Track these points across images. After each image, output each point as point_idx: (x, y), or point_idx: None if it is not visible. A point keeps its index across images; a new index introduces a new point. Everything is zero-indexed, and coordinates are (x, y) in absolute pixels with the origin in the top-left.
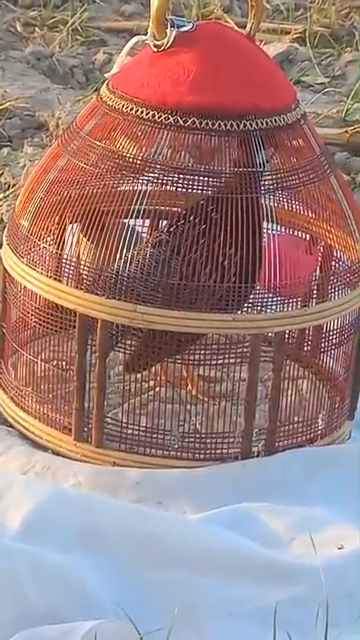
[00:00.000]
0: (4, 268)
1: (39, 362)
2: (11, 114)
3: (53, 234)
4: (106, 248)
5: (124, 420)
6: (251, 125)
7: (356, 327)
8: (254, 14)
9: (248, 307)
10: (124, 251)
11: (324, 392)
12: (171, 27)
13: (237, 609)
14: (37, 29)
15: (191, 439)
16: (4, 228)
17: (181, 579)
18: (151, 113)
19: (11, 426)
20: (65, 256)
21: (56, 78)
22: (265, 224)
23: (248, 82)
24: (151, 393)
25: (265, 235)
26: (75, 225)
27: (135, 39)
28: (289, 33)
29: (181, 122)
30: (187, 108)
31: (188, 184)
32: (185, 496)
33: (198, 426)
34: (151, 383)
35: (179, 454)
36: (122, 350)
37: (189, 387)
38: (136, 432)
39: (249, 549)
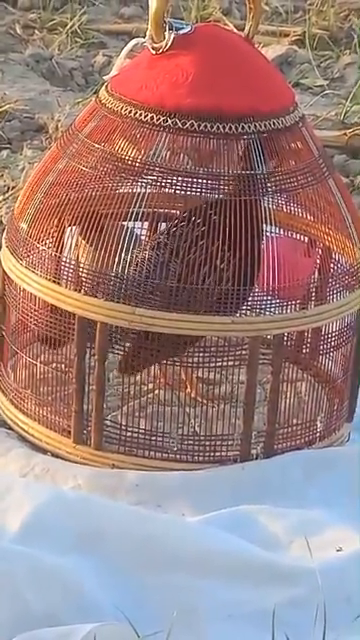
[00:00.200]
0: (3, 270)
1: (38, 364)
2: (10, 116)
3: (52, 236)
4: (105, 251)
5: (123, 423)
6: (249, 128)
7: (354, 329)
8: (252, 16)
9: (247, 310)
10: (123, 254)
11: (323, 394)
12: (169, 30)
13: (236, 611)
14: (36, 31)
15: (190, 441)
16: (3, 230)
17: (180, 582)
18: (150, 115)
19: (10, 428)
20: (64, 259)
21: (55, 80)
22: (264, 227)
23: (246, 85)
24: (150, 396)
25: (264, 237)
26: (74, 227)
27: (134, 42)
28: (288, 35)
29: (180, 125)
30: (186, 111)
31: (187, 187)
32: (184, 498)
33: (197, 429)
34: (150, 386)
35: (178, 456)
36: (118, 352)
37: (188, 390)
38: (135, 434)
39: (248, 552)
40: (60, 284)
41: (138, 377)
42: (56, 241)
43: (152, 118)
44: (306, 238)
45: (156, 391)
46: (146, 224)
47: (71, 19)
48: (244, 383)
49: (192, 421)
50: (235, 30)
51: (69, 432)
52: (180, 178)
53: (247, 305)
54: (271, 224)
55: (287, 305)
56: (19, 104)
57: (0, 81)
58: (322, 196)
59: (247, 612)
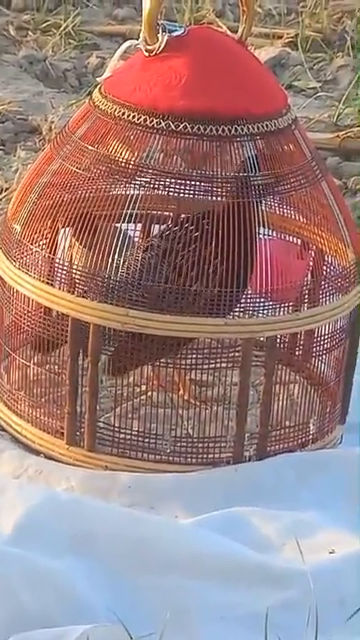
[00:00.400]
0: None
1: (32, 366)
2: (4, 118)
3: (45, 238)
4: (98, 252)
5: (116, 424)
6: (242, 130)
7: (347, 332)
8: (246, 19)
9: (240, 312)
10: (116, 255)
11: (315, 397)
12: (163, 32)
13: (228, 613)
14: (30, 33)
15: (183, 443)
16: None
17: (173, 584)
18: (143, 117)
19: (3, 430)
20: (57, 260)
21: (49, 82)
22: (257, 229)
23: (239, 87)
24: (143, 397)
25: (257, 240)
26: (67, 229)
27: (127, 43)
28: (281, 38)
29: (173, 127)
30: (179, 113)
31: (180, 189)
32: (177, 500)
33: (190, 430)
34: (143, 388)
35: (171, 458)
36: (108, 353)
37: (181, 391)
38: (128, 436)
39: (241, 554)
40: (53, 286)
41: (131, 379)
42: (49, 242)
43: (145, 120)
44: (299, 240)
45: (149, 393)
46: (139, 226)
47: (65, 20)
48: (237, 385)
49: (185, 423)
50: (228, 32)
51: (62, 434)
52: (173, 180)
53: (240, 307)
54: (264, 226)
55: (280, 307)
56: (12, 105)
57: None
58: (315, 198)
59: (240, 614)
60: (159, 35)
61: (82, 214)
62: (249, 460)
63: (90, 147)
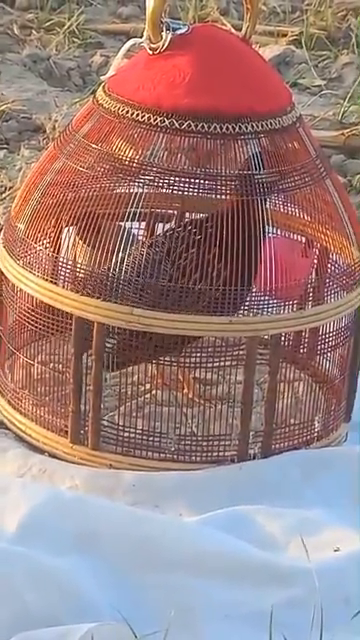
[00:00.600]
0: (0, 271)
1: (36, 365)
2: (8, 117)
3: (49, 237)
4: (102, 251)
5: (120, 423)
6: (247, 128)
7: (352, 330)
8: (250, 17)
9: (244, 310)
10: (120, 254)
11: (320, 394)
12: (167, 30)
13: (233, 612)
14: (34, 32)
15: (187, 442)
16: (0, 230)
17: (177, 582)
18: (147, 116)
19: (8, 429)
20: (61, 259)
21: (53, 81)
22: (262, 227)
23: (244, 85)
24: (147, 396)
25: (262, 238)
26: (71, 228)
27: (131, 42)
28: (286, 35)
29: (177, 125)
30: (183, 111)
31: (184, 187)
32: (181, 499)
33: (194, 429)
34: (147, 386)
35: (175, 457)
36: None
37: (185, 390)
38: (132, 435)
39: (245, 552)
40: (57, 284)
41: (135, 377)
42: (53, 241)
43: (149, 118)
44: (303, 238)
45: (153, 391)
46: (143, 224)
47: (69, 19)
48: (241, 383)
49: (189, 421)
50: (233, 30)
51: (66, 432)
52: (177, 178)
53: (244, 305)
54: (268, 224)
55: (284, 305)
56: (16, 104)
57: None
58: (319, 196)
59: (244, 612)
60: (163, 33)
61: (86, 213)
62: (254, 458)
63: (94, 145)
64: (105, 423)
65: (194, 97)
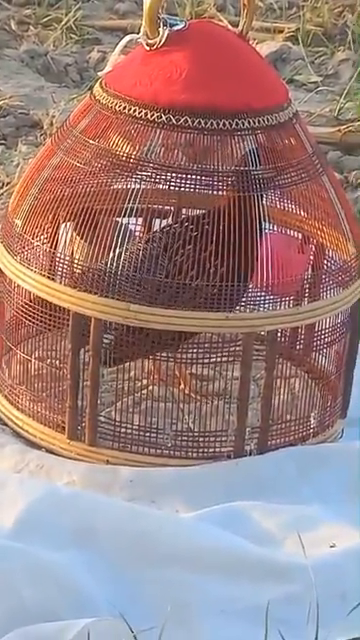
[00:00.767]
0: None
1: (33, 360)
2: (5, 112)
3: (47, 232)
4: (99, 246)
5: (117, 419)
6: (243, 124)
7: (348, 326)
8: (246, 13)
9: (241, 306)
10: (117, 249)
11: (316, 390)
12: (164, 26)
13: (229, 607)
14: (31, 27)
15: (184, 438)
16: None
17: (174, 577)
18: (144, 112)
19: (5, 424)
20: (59, 254)
21: (50, 76)
22: (258, 223)
23: (240, 81)
24: (144, 392)
25: (258, 234)
26: (68, 223)
27: (128, 38)
28: (282, 32)
29: (174, 121)
30: (180, 107)
31: (181, 183)
32: (178, 494)
33: (191, 425)
34: (144, 382)
35: (172, 453)
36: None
37: (182, 386)
38: (129, 431)
39: (242, 548)
40: (55, 280)
41: (132, 373)
42: (51, 237)
43: (146, 114)
44: (299, 234)
45: (150, 387)
46: (140, 220)
47: (66, 15)
48: (238, 379)
49: (186, 417)
50: (229, 26)
51: (63, 428)
52: (174, 174)
53: (241, 301)
54: (265, 220)
55: (281, 301)
56: (14, 100)
57: None
58: (316, 192)
59: (241, 608)
60: (160, 29)
61: (83, 208)
62: (250, 454)
63: (91, 141)
64: (102, 419)
65: (191, 93)
